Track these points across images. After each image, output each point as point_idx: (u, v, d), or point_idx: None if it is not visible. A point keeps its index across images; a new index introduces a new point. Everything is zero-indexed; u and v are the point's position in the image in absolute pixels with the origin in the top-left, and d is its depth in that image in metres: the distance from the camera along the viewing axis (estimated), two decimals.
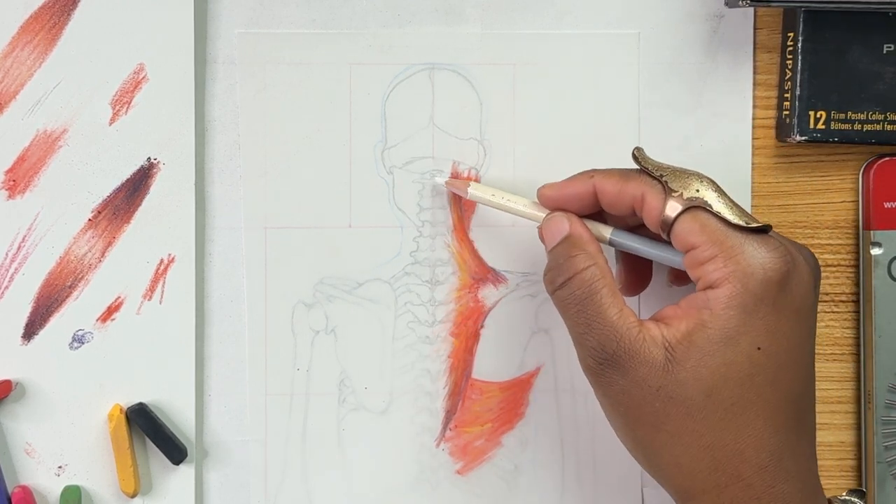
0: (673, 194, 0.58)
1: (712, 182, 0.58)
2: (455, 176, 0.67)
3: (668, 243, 0.59)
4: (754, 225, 0.57)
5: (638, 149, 0.60)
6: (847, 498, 0.61)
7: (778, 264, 0.56)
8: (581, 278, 0.59)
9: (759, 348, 0.56)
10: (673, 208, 0.58)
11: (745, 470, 0.56)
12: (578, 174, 0.62)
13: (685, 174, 0.59)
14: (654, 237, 0.61)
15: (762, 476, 0.56)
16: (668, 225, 0.58)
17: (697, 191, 0.58)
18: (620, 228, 0.62)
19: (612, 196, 0.60)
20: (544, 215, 0.63)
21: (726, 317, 0.56)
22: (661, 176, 0.59)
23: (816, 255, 0.68)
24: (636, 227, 0.63)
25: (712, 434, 0.56)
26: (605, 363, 0.57)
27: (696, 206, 0.58)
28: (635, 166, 0.60)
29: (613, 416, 0.59)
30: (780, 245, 0.57)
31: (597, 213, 0.62)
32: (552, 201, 0.63)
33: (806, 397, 0.58)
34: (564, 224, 0.61)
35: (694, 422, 0.56)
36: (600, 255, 0.60)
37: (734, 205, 0.58)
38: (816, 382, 0.59)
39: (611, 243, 0.62)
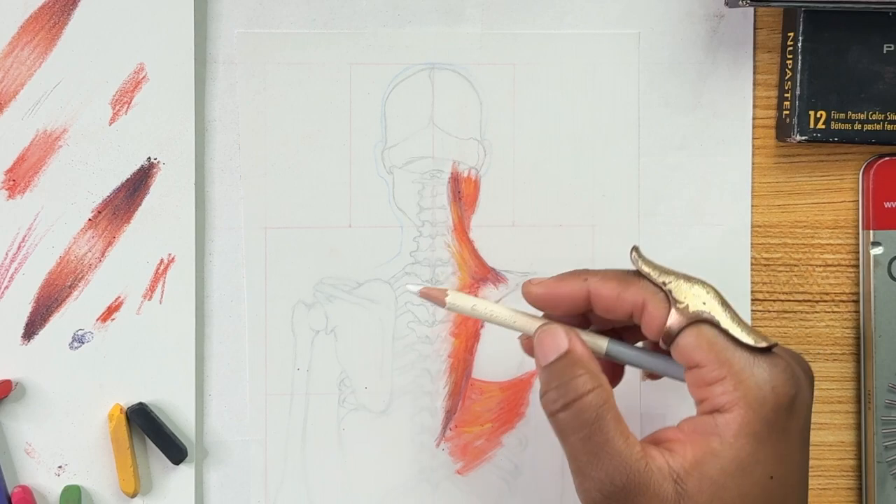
0: (678, 305, 0.54)
1: (717, 293, 0.55)
2: (455, 176, 0.67)
3: (667, 355, 0.56)
4: (763, 345, 0.54)
5: (636, 249, 0.56)
6: None
7: (787, 388, 0.53)
8: (586, 402, 0.54)
9: (771, 477, 0.53)
10: (677, 321, 0.54)
11: None
12: (570, 274, 0.58)
13: (690, 283, 0.55)
14: (650, 346, 0.59)
15: None
16: (671, 338, 0.55)
17: (704, 303, 0.54)
18: (616, 340, 0.58)
19: (609, 302, 0.56)
20: (531, 325, 0.58)
21: (738, 445, 0.52)
22: (665, 284, 0.55)
23: (817, 255, 0.68)
24: (624, 329, 0.60)
25: None
26: (613, 498, 0.53)
27: (702, 321, 0.54)
28: (631, 267, 0.57)
29: None
30: (787, 365, 0.54)
31: (581, 315, 0.59)
32: (540, 300, 0.58)
33: None
34: (562, 339, 0.56)
35: None
36: (602, 375, 0.55)
37: (740, 319, 0.54)
38: (816, 382, 0.59)
39: (607, 355, 0.58)
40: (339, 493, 0.68)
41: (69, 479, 0.66)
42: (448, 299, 0.59)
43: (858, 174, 0.68)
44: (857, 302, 0.69)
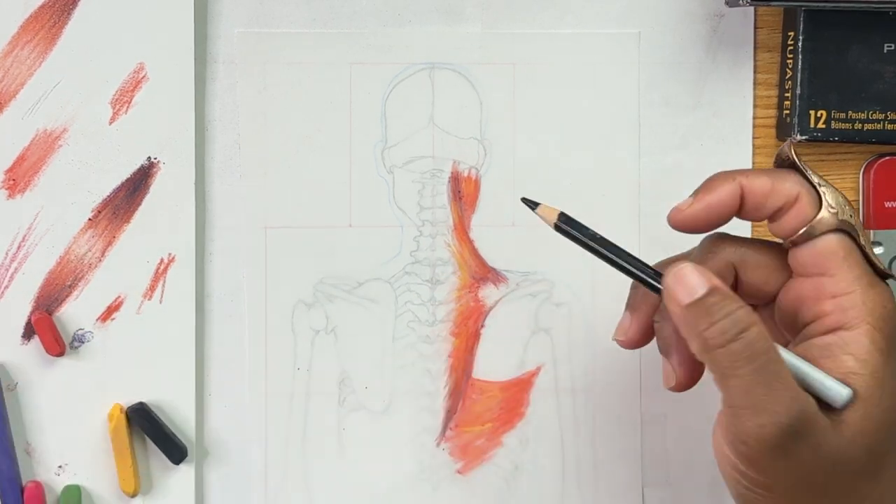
0: (830, 209, 0.53)
1: (856, 213, 0.55)
2: (455, 175, 0.67)
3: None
4: (889, 272, 0.53)
5: (791, 143, 0.55)
6: None
7: None
8: (759, 332, 0.51)
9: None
10: (825, 223, 0.53)
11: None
12: (716, 179, 0.55)
13: (838, 193, 0.54)
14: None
15: None
16: (811, 237, 0.53)
17: (851, 216, 0.53)
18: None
19: (764, 196, 0.54)
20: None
21: (873, 361, 0.51)
22: (820, 185, 0.53)
23: None
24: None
25: (869, 487, 0.52)
26: (789, 431, 0.50)
27: (847, 231, 0.53)
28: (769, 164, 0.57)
29: (768, 495, 0.52)
30: (892, 295, 0.53)
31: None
32: (696, 220, 0.55)
33: None
34: (704, 276, 0.52)
35: (855, 479, 0.52)
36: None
37: (870, 244, 0.54)
38: None
39: None
40: (339, 493, 0.68)
41: (69, 479, 0.66)
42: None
43: (858, 174, 0.68)
44: None
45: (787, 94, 0.67)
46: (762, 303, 0.56)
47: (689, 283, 0.51)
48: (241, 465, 0.67)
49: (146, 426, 0.66)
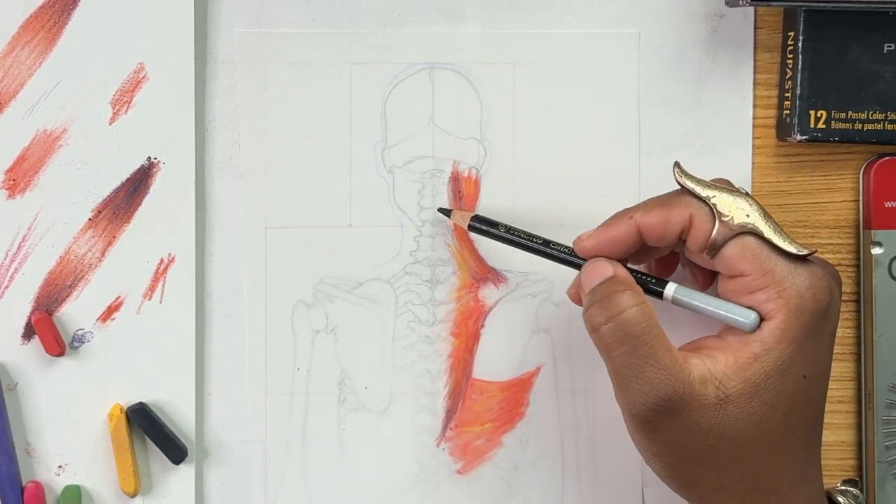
0: (723, 218, 0.57)
1: (759, 205, 0.57)
2: (455, 175, 0.67)
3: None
4: (805, 252, 0.57)
5: (678, 165, 0.59)
6: (845, 488, 0.61)
7: (824, 294, 0.56)
8: (630, 315, 0.56)
9: (804, 376, 0.56)
10: (722, 233, 0.57)
11: (779, 484, 0.57)
12: (615, 217, 0.60)
13: (733, 195, 0.57)
14: (702, 281, 0.62)
15: (793, 486, 0.57)
16: (716, 249, 0.57)
17: (748, 216, 0.57)
18: (681, 285, 0.60)
19: (659, 229, 0.58)
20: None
21: (780, 349, 0.56)
22: (709, 198, 0.57)
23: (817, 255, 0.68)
24: (664, 257, 0.63)
25: (757, 460, 0.57)
26: (657, 409, 0.56)
27: (746, 232, 0.57)
28: (672, 187, 0.59)
29: (656, 457, 0.58)
30: (823, 272, 0.57)
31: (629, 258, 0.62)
32: (593, 251, 0.60)
33: (824, 406, 0.59)
34: (607, 266, 0.59)
35: (741, 452, 0.56)
36: (645, 297, 0.58)
37: (781, 229, 0.57)
38: None
39: (674, 301, 0.60)
40: (339, 493, 0.68)
41: (69, 479, 0.66)
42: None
43: (859, 174, 0.68)
44: (857, 302, 0.69)
45: (787, 94, 0.67)
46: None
47: (591, 275, 0.59)
48: (241, 465, 0.67)
49: (146, 426, 0.66)
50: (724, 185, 0.58)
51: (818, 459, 0.59)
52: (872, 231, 0.68)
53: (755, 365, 0.56)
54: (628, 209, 0.59)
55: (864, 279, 0.68)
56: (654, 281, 0.60)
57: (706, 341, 0.58)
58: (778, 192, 0.68)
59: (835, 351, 0.68)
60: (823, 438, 0.68)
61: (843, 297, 0.69)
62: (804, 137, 0.66)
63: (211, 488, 0.67)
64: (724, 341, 0.57)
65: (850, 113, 0.66)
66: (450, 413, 0.68)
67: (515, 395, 0.68)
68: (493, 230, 0.64)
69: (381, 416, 0.68)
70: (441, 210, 0.65)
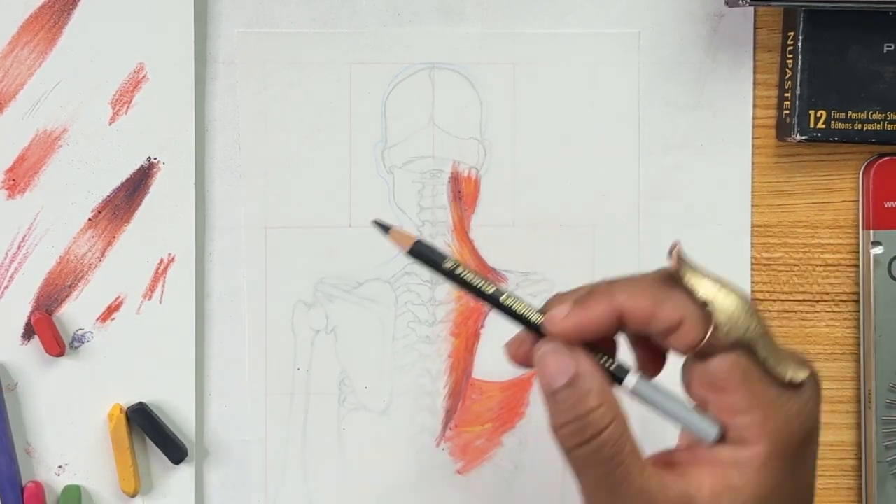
0: (721, 328, 0.49)
1: (760, 316, 0.50)
2: (455, 176, 0.67)
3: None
4: (800, 379, 0.50)
5: (678, 251, 0.50)
6: None
7: (812, 420, 0.50)
8: (605, 438, 0.49)
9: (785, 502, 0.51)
10: (715, 346, 0.49)
11: None
12: (595, 295, 0.51)
13: (735, 304, 0.49)
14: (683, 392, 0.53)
15: None
16: (703, 358, 0.50)
17: (746, 331, 0.49)
18: (645, 379, 0.52)
19: (643, 320, 0.50)
20: (527, 336, 0.52)
21: (759, 482, 0.49)
22: (706, 305, 0.49)
23: (817, 255, 0.68)
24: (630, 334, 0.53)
25: None
26: None
27: (743, 347, 0.49)
28: (660, 267, 0.51)
29: None
30: (813, 394, 0.50)
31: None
32: (570, 335, 0.50)
33: None
34: (569, 362, 0.50)
35: None
36: (616, 399, 0.50)
37: (777, 346, 0.50)
38: None
39: (632, 393, 0.51)
40: (339, 493, 0.68)
41: (69, 479, 0.66)
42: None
43: (858, 174, 0.68)
44: (857, 302, 0.69)
45: (786, 95, 0.67)
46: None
47: (550, 371, 0.50)
48: (241, 465, 0.68)
49: (146, 426, 0.66)
50: (725, 288, 0.50)
51: None
52: (872, 231, 0.68)
53: (732, 496, 0.49)
54: (610, 285, 0.51)
55: (864, 279, 0.68)
56: (613, 366, 0.51)
57: (679, 455, 0.52)
58: (778, 192, 0.68)
59: (835, 351, 0.69)
60: (823, 438, 0.68)
61: (843, 298, 0.69)
62: (804, 137, 0.66)
63: (211, 488, 0.67)
64: (696, 458, 0.51)
65: (849, 113, 0.66)
66: (450, 413, 0.68)
67: (515, 395, 0.68)
68: (435, 263, 0.51)
69: (381, 416, 0.68)
70: (377, 223, 0.51)
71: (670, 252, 0.50)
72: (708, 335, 0.49)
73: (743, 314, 0.49)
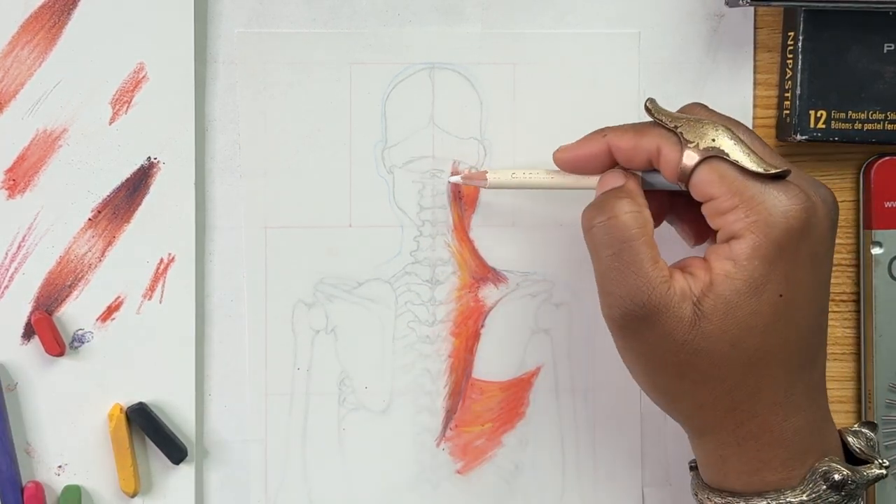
0: (689, 145, 0.58)
1: (728, 129, 0.58)
2: (455, 175, 0.67)
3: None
4: (773, 171, 0.57)
5: (651, 100, 0.60)
6: (858, 429, 0.61)
7: (798, 212, 0.56)
8: (621, 221, 0.58)
9: (780, 295, 0.56)
10: (690, 159, 0.57)
11: (760, 408, 0.57)
12: (591, 133, 0.61)
13: (700, 123, 0.58)
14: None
15: (775, 411, 0.57)
16: (687, 175, 0.58)
17: (713, 140, 0.57)
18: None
19: (628, 152, 0.60)
20: (569, 181, 0.63)
21: (751, 267, 0.56)
22: (676, 127, 0.58)
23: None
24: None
25: (734, 379, 0.57)
26: (632, 315, 0.57)
27: (713, 156, 0.57)
28: (648, 119, 0.60)
29: (633, 364, 0.59)
30: (799, 191, 0.57)
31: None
32: (569, 164, 0.62)
33: (818, 332, 0.59)
34: (620, 178, 0.60)
35: (718, 370, 0.57)
36: (646, 208, 0.59)
37: (751, 150, 0.57)
38: None
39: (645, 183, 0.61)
40: (339, 493, 0.68)
41: (69, 479, 0.66)
42: (489, 176, 0.65)
43: (859, 174, 0.68)
44: (857, 302, 0.69)
45: (787, 94, 0.67)
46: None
47: (604, 182, 0.61)
48: (241, 465, 0.67)
49: (146, 426, 0.66)
50: (697, 113, 0.60)
51: (809, 389, 0.58)
52: (872, 231, 0.68)
53: (727, 282, 0.56)
54: (604, 128, 0.61)
55: (864, 279, 0.68)
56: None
57: (692, 260, 0.58)
58: None
59: (834, 351, 0.69)
60: None
61: (843, 298, 0.69)
62: (804, 137, 0.66)
63: (211, 488, 0.67)
64: (706, 261, 0.57)
65: (850, 113, 0.66)
66: (450, 413, 0.68)
67: (515, 395, 0.68)
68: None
69: (381, 416, 0.68)
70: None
71: (645, 102, 0.60)
72: (684, 150, 0.57)
73: (708, 129, 0.58)
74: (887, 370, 0.68)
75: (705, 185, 0.57)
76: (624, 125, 0.61)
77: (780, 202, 0.56)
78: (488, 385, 0.68)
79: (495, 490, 0.69)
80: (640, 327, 0.57)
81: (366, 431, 0.68)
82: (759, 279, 0.56)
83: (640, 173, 0.61)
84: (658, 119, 0.59)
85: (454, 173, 0.67)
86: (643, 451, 0.69)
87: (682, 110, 0.61)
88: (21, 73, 0.65)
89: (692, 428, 0.60)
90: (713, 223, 0.58)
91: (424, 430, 0.68)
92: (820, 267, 0.58)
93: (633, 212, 0.58)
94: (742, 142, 0.57)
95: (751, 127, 0.68)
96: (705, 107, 0.61)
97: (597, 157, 0.61)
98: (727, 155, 0.57)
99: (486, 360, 0.68)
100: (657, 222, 0.63)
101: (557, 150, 0.62)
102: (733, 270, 0.56)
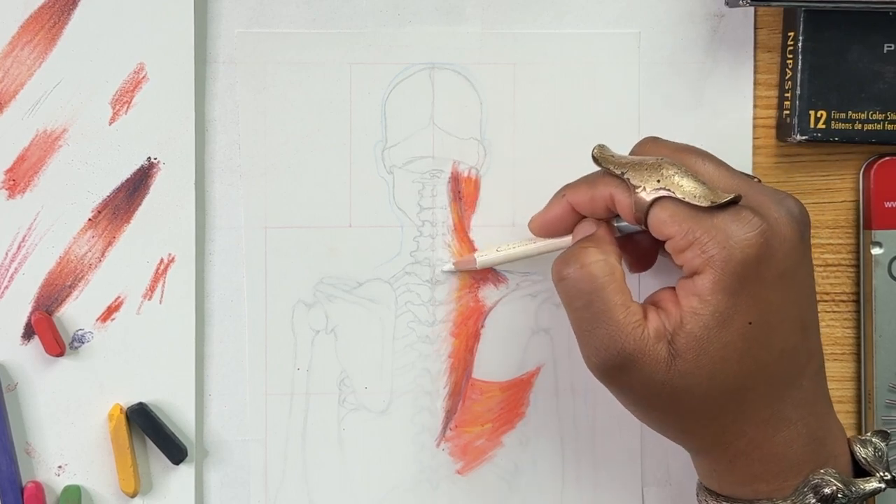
0: (637, 190, 0.58)
1: (673, 165, 0.58)
2: (455, 176, 0.67)
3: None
4: (721, 201, 0.56)
5: (598, 147, 0.60)
6: (868, 438, 0.60)
7: (753, 238, 0.56)
8: (588, 271, 0.58)
9: (750, 323, 0.56)
10: (641, 204, 0.58)
11: (748, 427, 0.58)
12: (553, 197, 0.63)
13: (644, 166, 0.58)
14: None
15: (763, 428, 0.58)
16: (643, 220, 0.58)
17: (658, 181, 0.57)
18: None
19: (586, 205, 0.61)
20: (558, 244, 0.64)
21: (714, 302, 0.56)
22: (623, 173, 0.59)
23: (817, 255, 0.68)
24: None
25: (717, 407, 0.57)
26: (610, 363, 0.57)
27: (662, 197, 0.57)
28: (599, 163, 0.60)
29: (622, 402, 0.60)
30: (752, 216, 0.56)
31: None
32: (542, 229, 0.64)
33: (802, 345, 0.58)
34: (591, 226, 0.61)
35: (701, 402, 0.57)
36: (615, 255, 0.59)
37: (699, 182, 0.57)
38: None
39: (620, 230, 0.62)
40: (339, 493, 0.68)
41: (69, 479, 0.66)
42: (478, 260, 0.66)
43: (859, 174, 0.68)
44: (857, 302, 0.69)
45: (787, 95, 0.67)
46: None
47: (576, 233, 0.62)
48: (241, 465, 0.68)
49: (146, 426, 0.66)
50: (648, 150, 0.60)
51: (799, 401, 0.58)
52: (872, 231, 0.68)
53: (695, 319, 0.56)
54: (563, 188, 0.62)
55: (864, 279, 0.68)
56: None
57: (665, 294, 0.59)
58: None
59: (834, 351, 0.69)
60: None
61: (843, 298, 0.69)
62: (804, 137, 0.66)
63: (211, 488, 0.68)
64: (674, 294, 0.58)
65: (849, 113, 0.66)
66: (450, 413, 0.68)
67: (515, 395, 0.68)
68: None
69: (381, 417, 0.68)
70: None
71: (593, 150, 0.60)
72: (633, 196, 0.58)
73: (652, 170, 0.58)
74: (887, 370, 0.68)
75: (660, 225, 0.57)
76: (578, 180, 0.62)
77: (733, 232, 0.56)
78: (488, 385, 0.68)
79: (495, 490, 0.69)
80: (621, 374, 0.57)
81: (366, 431, 0.68)
82: (725, 312, 0.56)
83: (614, 220, 0.61)
84: (605, 168, 0.60)
85: (454, 174, 0.67)
86: (643, 451, 0.69)
87: (635, 147, 0.61)
88: (21, 73, 0.65)
89: (686, 449, 0.61)
90: (676, 260, 0.58)
91: (424, 430, 0.68)
92: (790, 283, 0.57)
93: (599, 261, 0.58)
94: (689, 175, 0.57)
95: (751, 127, 0.68)
96: (657, 140, 0.61)
97: (563, 218, 0.62)
98: (673, 193, 0.57)
99: (486, 361, 0.68)
100: (650, 260, 0.64)
101: (530, 220, 0.64)
102: (699, 306, 0.56)
